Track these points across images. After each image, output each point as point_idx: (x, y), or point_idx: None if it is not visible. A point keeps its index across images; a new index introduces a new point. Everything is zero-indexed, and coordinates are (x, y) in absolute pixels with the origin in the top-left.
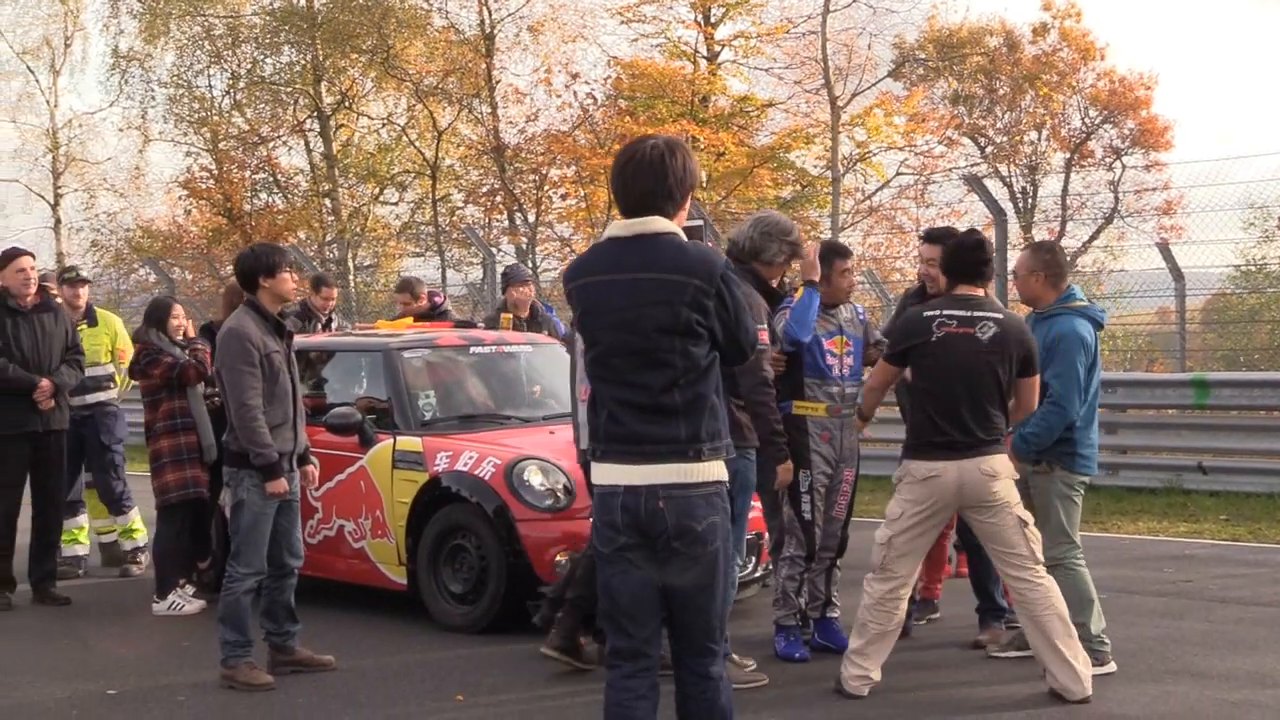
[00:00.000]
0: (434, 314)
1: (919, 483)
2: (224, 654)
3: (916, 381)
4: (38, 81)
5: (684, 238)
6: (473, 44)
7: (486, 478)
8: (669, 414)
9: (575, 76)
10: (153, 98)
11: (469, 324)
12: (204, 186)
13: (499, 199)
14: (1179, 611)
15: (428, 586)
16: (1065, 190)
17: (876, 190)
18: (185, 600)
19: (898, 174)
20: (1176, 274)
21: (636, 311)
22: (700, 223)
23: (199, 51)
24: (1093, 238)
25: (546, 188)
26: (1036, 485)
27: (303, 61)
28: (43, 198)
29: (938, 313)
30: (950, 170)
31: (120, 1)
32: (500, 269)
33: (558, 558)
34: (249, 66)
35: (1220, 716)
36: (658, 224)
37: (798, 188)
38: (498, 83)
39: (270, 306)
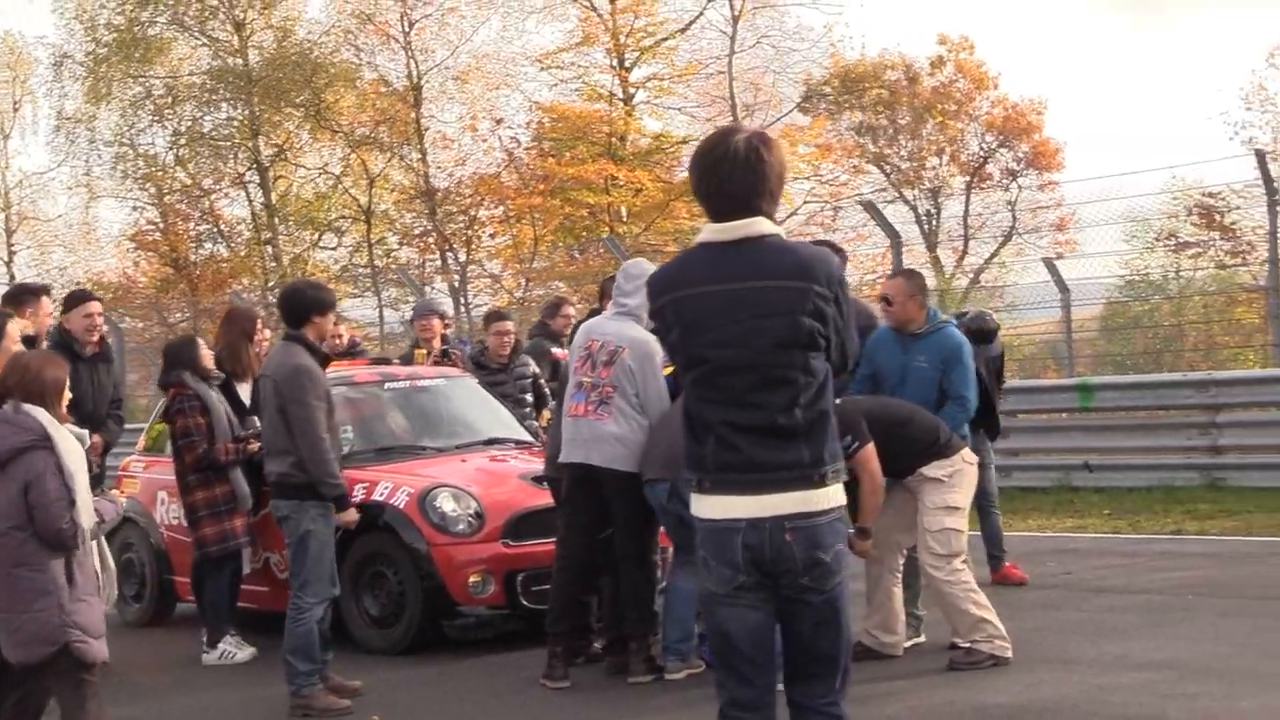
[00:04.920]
0: (351, 353)
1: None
2: (296, 685)
3: None
4: None
5: (787, 238)
6: (401, 95)
7: (401, 506)
8: (790, 436)
9: (499, 122)
10: (98, 156)
11: (384, 360)
12: (151, 239)
13: (431, 240)
14: (1057, 603)
15: (349, 612)
16: (966, 211)
17: (786, 218)
18: (236, 648)
19: (805, 202)
20: (1062, 286)
21: (753, 325)
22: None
23: (141, 111)
24: (993, 255)
25: (475, 228)
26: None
27: (240, 117)
28: None
29: None
30: (854, 197)
31: (63, 66)
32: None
33: (471, 579)
34: (189, 124)
35: (1085, 699)
36: (763, 225)
37: None
38: (426, 130)
39: (315, 342)
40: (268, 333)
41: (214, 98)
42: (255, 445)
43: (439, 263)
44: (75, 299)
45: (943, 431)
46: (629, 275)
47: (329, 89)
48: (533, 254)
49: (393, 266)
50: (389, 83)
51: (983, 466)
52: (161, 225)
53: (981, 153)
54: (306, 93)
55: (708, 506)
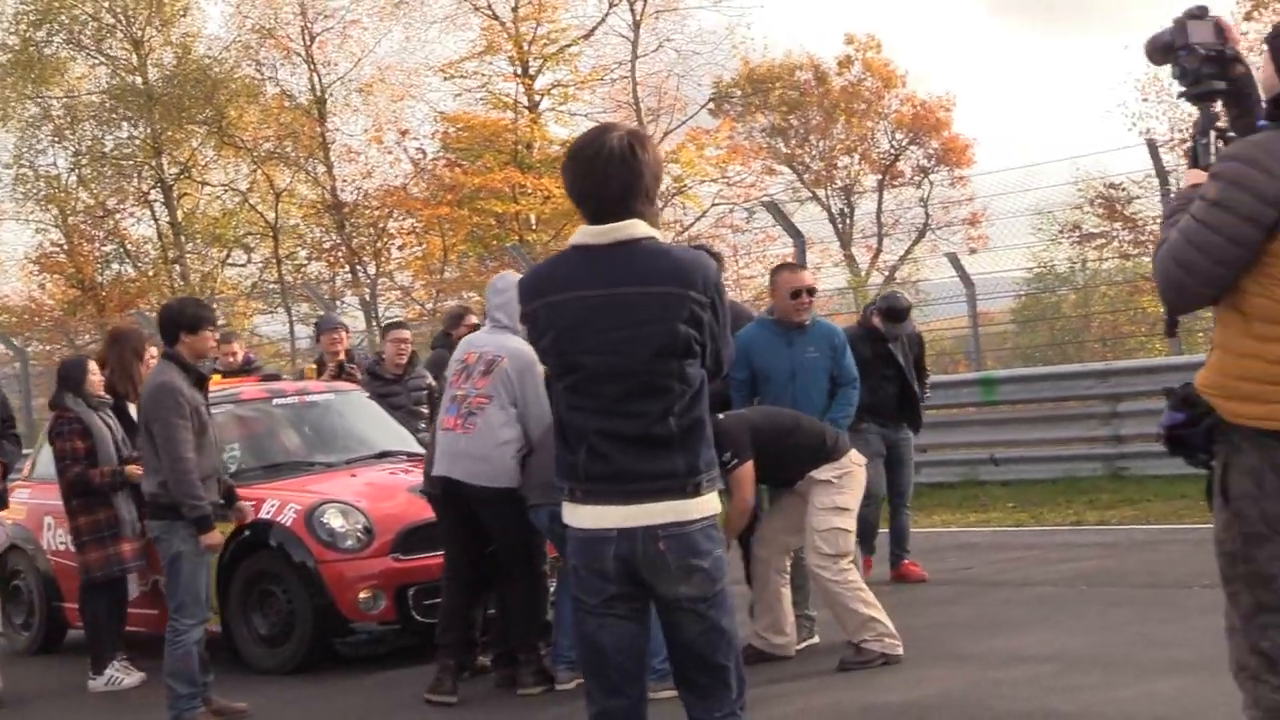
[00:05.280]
0: (247, 369)
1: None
2: (177, 709)
3: None
4: None
5: (664, 242)
6: (305, 109)
7: (288, 524)
8: (664, 445)
9: (405, 133)
10: None
11: (274, 377)
12: (55, 261)
13: (340, 254)
14: (954, 599)
15: (239, 631)
16: (879, 209)
17: (695, 221)
18: (123, 673)
19: (714, 204)
20: (966, 281)
21: (629, 332)
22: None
23: (39, 131)
24: (907, 251)
25: (384, 240)
26: None
27: (142, 135)
28: None
29: None
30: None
31: None
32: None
33: (361, 595)
34: (89, 143)
35: (972, 695)
36: (639, 228)
37: None
38: (332, 144)
39: (190, 360)
40: (154, 350)
41: (114, 116)
42: (136, 469)
43: (349, 277)
44: None
45: (829, 435)
46: (496, 289)
47: (231, 105)
48: (443, 265)
49: (300, 282)
50: (292, 97)
51: (901, 463)
52: (66, 246)
53: (893, 150)
54: (208, 109)
55: (579, 516)
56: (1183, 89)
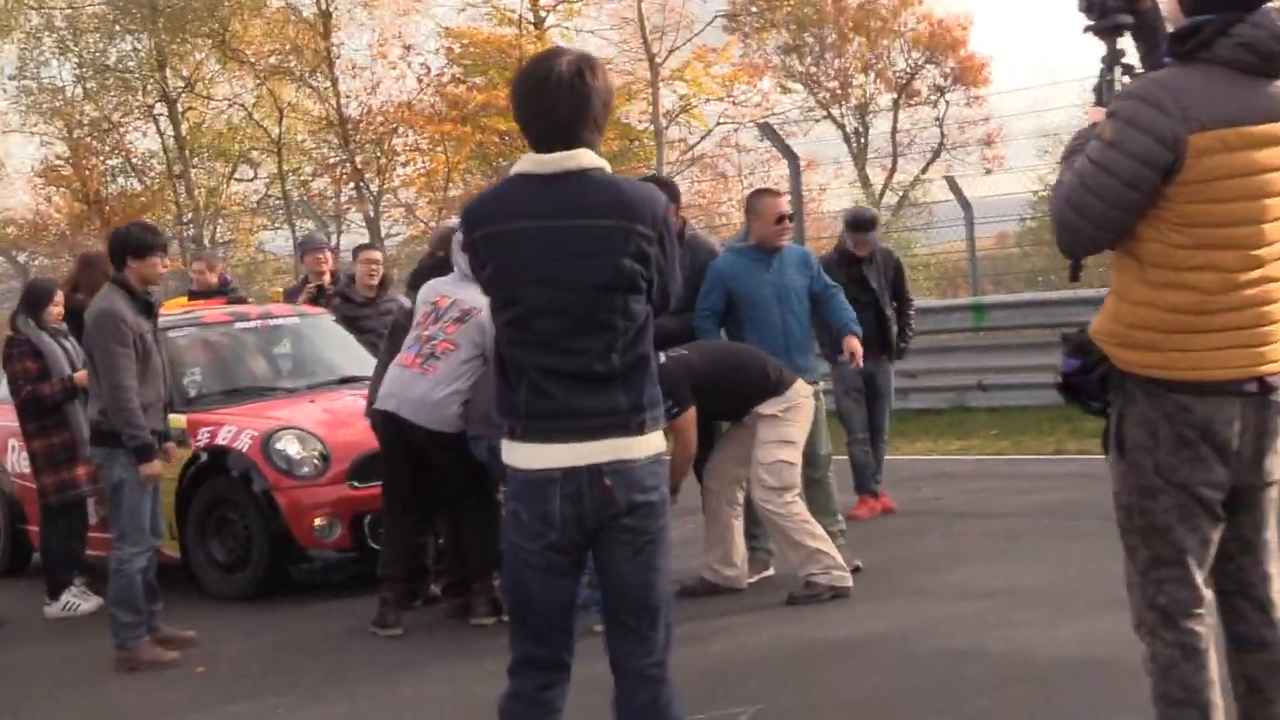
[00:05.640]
0: (224, 291)
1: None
2: (121, 638)
3: None
4: None
5: (611, 172)
6: (310, 23)
7: (245, 450)
8: (607, 382)
9: (409, 49)
10: (2, 90)
11: (240, 300)
12: (61, 174)
13: (345, 171)
14: (916, 530)
15: (197, 558)
16: (894, 128)
17: (699, 140)
18: (80, 599)
19: (718, 123)
20: (964, 204)
21: (570, 264)
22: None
23: (42, 43)
24: (922, 172)
25: (389, 157)
26: None
27: (145, 48)
28: None
29: None
30: (773, 117)
31: None
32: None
33: (317, 522)
34: (92, 55)
35: (913, 632)
36: (585, 158)
37: (625, 142)
38: (337, 58)
39: (138, 286)
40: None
41: (117, 28)
42: (83, 374)
43: (354, 193)
44: None
45: (772, 369)
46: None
47: (235, 18)
48: (446, 182)
49: (302, 199)
50: (298, 10)
51: (878, 396)
52: (71, 160)
53: (908, 69)
54: (212, 22)
55: (521, 455)
56: (1088, 23)
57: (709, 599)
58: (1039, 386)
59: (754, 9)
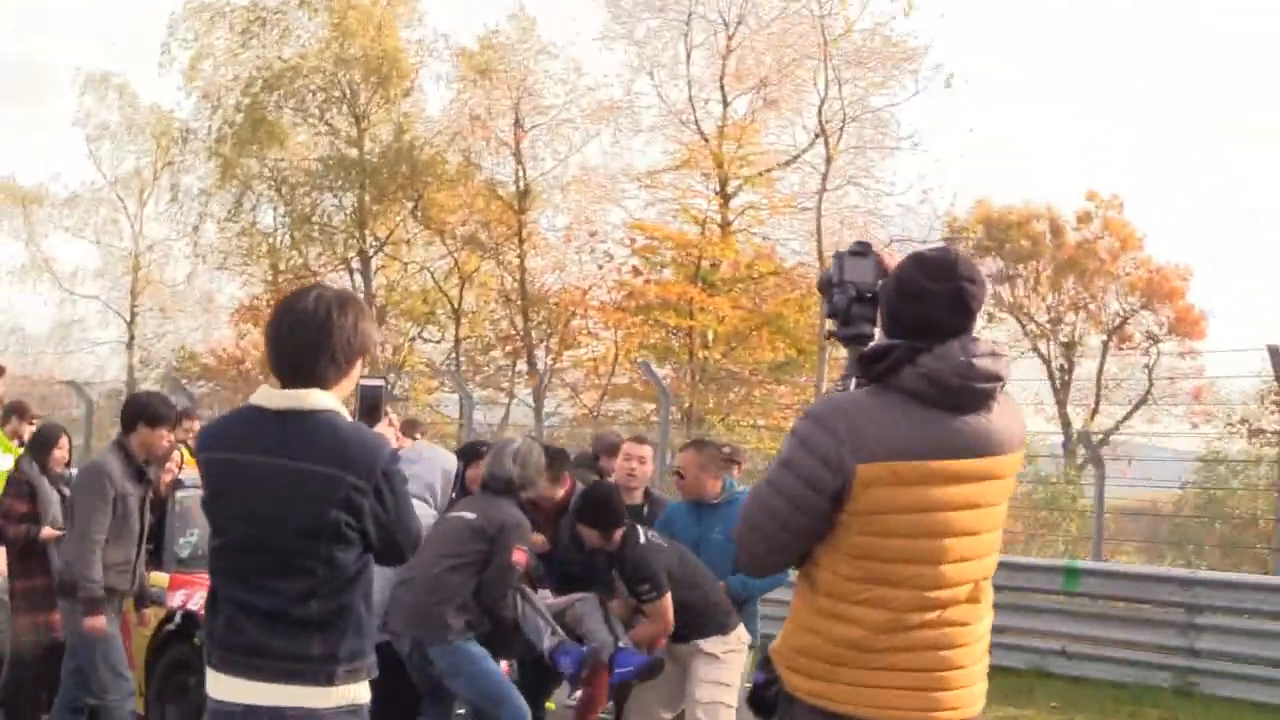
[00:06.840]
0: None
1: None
2: None
3: None
4: (125, 208)
5: (345, 417)
6: (507, 201)
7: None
8: (301, 627)
9: (593, 235)
10: (216, 230)
11: None
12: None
13: (519, 344)
14: None
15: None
16: (1100, 370)
17: None
18: None
19: None
20: (1097, 461)
21: (275, 505)
22: (380, 383)
23: (253, 189)
24: (1126, 418)
25: (567, 338)
26: None
27: (349, 206)
28: (120, 315)
29: None
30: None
31: (188, 142)
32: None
33: None
34: (302, 208)
35: None
36: (313, 399)
37: (793, 353)
38: (529, 235)
39: (137, 451)
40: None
41: (323, 184)
42: (53, 532)
43: (526, 367)
44: None
45: (726, 607)
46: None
47: (435, 187)
48: (612, 369)
49: (446, 369)
50: (494, 186)
51: None
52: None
53: (1121, 313)
54: (411, 190)
55: (211, 684)
56: (829, 329)
57: None
58: (1119, 662)
59: (970, 236)
